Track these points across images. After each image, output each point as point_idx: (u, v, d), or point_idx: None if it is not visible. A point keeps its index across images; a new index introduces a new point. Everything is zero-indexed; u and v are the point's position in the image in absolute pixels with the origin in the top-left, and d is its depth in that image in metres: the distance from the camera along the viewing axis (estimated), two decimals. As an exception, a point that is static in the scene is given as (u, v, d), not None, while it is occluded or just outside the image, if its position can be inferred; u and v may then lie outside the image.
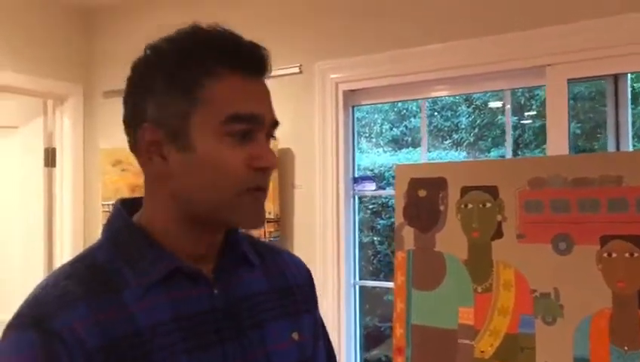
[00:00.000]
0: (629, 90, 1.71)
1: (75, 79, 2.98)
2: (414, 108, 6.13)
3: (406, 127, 6.15)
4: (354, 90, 2.11)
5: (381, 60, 2.00)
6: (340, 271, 2.07)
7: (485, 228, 1.67)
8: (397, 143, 6.06)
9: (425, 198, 1.79)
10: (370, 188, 2.05)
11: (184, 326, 0.79)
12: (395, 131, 6.07)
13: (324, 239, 2.10)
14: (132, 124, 0.82)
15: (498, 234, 1.65)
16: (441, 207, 1.75)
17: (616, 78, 1.71)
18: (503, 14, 1.80)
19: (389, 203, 4.63)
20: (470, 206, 1.70)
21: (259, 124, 0.81)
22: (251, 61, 0.81)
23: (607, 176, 1.51)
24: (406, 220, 1.81)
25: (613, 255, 1.48)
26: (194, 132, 0.78)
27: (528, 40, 1.72)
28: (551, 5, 1.73)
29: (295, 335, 0.92)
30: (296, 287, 0.95)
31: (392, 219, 5.01)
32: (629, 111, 1.71)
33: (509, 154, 2.08)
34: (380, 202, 5.03)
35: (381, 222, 4.68)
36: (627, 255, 1.46)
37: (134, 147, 0.83)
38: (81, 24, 3.03)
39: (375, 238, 5.14)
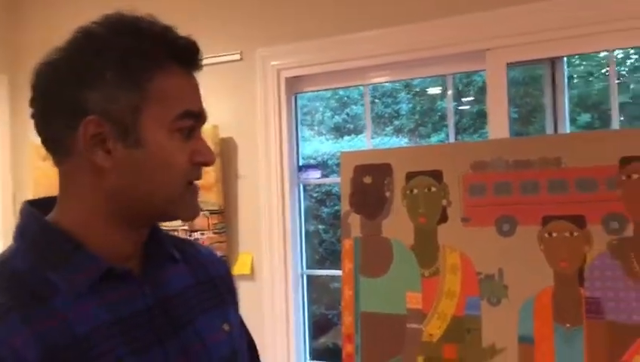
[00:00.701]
0: (566, 73, 1.75)
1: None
2: (356, 95, 6.16)
3: (347, 114, 6.17)
4: (296, 76, 2.09)
5: (323, 46, 1.98)
6: (287, 260, 2.05)
7: (431, 212, 1.68)
8: (339, 131, 6.07)
9: (370, 185, 1.78)
10: (315, 176, 2.04)
11: (122, 328, 0.77)
12: (337, 119, 6.08)
13: (270, 229, 2.07)
14: (61, 116, 0.77)
15: (443, 218, 1.66)
16: (387, 193, 1.75)
17: (554, 62, 1.75)
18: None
19: (333, 191, 4.64)
20: (416, 191, 1.71)
21: (201, 120, 0.81)
22: (194, 57, 0.80)
23: (546, 158, 1.54)
24: (352, 207, 1.81)
25: (554, 235, 1.52)
26: (144, 127, 0.77)
27: (468, 24, 1.74)
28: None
29: (225, 326, 0.93)
30: (218, 279, 0.96)
31: (337, 207, 5.03)
32: (566, 94, 1.76)
33: (452, 139, 2.11)
34: (323, 190, 5.04)
35: (325, 210, 4.68)
36: (567, 234, 1.50)
37: (59, 141, 0.78)
38: (4, 13, 2.89)
39: (320, 227, 5.14)
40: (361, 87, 2.21)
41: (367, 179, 1.79)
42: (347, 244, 1.81)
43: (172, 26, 0.79)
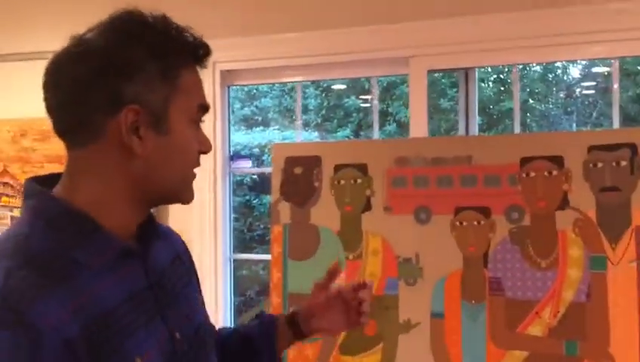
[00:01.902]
0: (477, 82, 1.98)
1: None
2: (265, 88, 6.25)
3: (256, 107, 6.27)
4: (230, 70, 2.18)
5: (258, 43, 2.08)
6: (218, 245, 2.14)
7: (356, 202, 1.85)
8: (247, 122, 6.15)
9: (300, 175, 1.91)
10: (246, 165, 2.14)
11: (134, 303, 0.83)
12: (246, 111, 6.16)
13: (201, 215, 2.15)
14: (98, 103, 0.81)
15: (367, 207, 1.83)
16: (316, 183, 1.89)
17: (467, 72, 1.97)
18: (374, 7, 1.97)
19: (244, 181, 4.73)
20: (343, 182, 1.86)
21: (206, 112, 0.91)
22: (207, 57, 0.89)
23: (459, 156, 1.75)
24: (282, 196, 1.93)
25: (464, 223, 1.73)
26: (172, 117, 0.83)
27: (395, 32, 1.91)
28: (415, 1, 1.93)
29: (198, 296, 1.02)
30: (182, 253, 1.03)
31: (247, 197, 5.12)
32: (477, 99, 1.99)
33: (376, 135, 2.29)
34: (233, 180, 5.11)
35: (237, 199, 4.76)
36: (475, 223, 1.71)
37: (89, 125, 0.82)
38: None
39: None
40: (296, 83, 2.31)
41: (298, 170, 1.92)
42: (276, 230, 1.93)
43: (189, 26, 0.88)
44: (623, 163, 1.57)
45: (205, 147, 0.90)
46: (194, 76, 0.87)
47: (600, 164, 1.59)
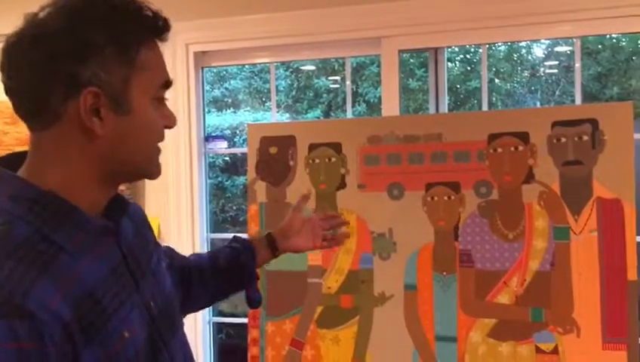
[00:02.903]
0: (446, 62, 2.04)
1: None
2: (234, 70, 6.23)
3: (226, 88, 6.24)
4: (204, 51, 2.19)
5: (232, 24, 2.09)
6: (195, 225, 2.17)
7: (331, 180, 1.89)
8: (217, 104, 6.13)
9: (276, 155, 1.95)
10: (221, 146, 2.17)
11: (114, 278, 0.85)
12: (216, 93, 6.13)
13: (177, 196, 2.17)
14: (55, 86, 0.80)
15: (342, 185, 1.88)
16: (291, 163, 1.93)
17: (437, 51, 2.02)
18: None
19: (216, 163, 4.73)
20: (317, 161, 1.91)
21: (169, 88, 0.91)
22: (167, 30, 0.87)
23: (430, 133, 1.81)
24: (258, 175, 1.97)
25: (435, 198, 1.79)
26: (132, 96, 0.83)
27: (367, 13, 1.95)
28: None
29: (163, 264, 1.05)
30: (141, 222, 1.04)
31: (219, 178, 5.12)
32: (445, 78, 2.05)
33: (349, 115, 2.33)
34: (208, 161, 5.11)
35: (209, 181, 4.77)
36: (446, 198, 1.78)
37: (48, 109, 0.81)
38: None
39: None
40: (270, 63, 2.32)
41: (273, 150, 1.95)
42: (253, 209, 1.97)
43: (147, 1, 0.86)
44: (585, 137, 1.65)
45: (170, 122, 0.91)
46: (154, 52, 0.86)
47: (563, 139, 1.67)
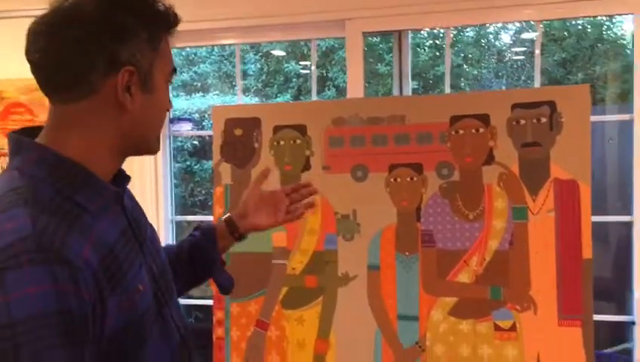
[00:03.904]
0: (410, 44, 2.05)
1: None
2: (203, 53, 6.17)
3: (195, 72, 6.18)
4: (168, 32, 2.16)
5: (195, 4, 2.08)
6: (159, 207, 2.16)
7: (296, 161, 1.90)
8: (186, 88, 6.07)
9: (241, 137, 1.95)
10: (186, 128, 2.15)
11: (125, 239, 0.94)
12: (185, 76, 6.06)
13: (142, 177, 2.15)
14: (95, 63, 0.88)
15: (307, 166, 1.89)
16: (256, 145, 1.93)
17: (400, 34, 2.04)
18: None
19: (184, 146, 4.69)
20: (282, 143, 1.91)
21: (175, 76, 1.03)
22: (177, 25, 0.98)
23: (393, 115, 1.82)
24: (223, 157, 1.96)
25: (398, 180, 1.82)
26: (155, 78, 0.95)
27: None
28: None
29: (156, 234, 1.13)
30: (133, 197, 1.11)
31: (188, 162, 5.09)
32: (409, 62, 2.06)
33: (314, 98, 2.33)
34: (174, 146, 5.07)
35: (177, 165, 4.74)
36: (408, 179, 1.80)
37: (83, 84, 0.89)
38: None
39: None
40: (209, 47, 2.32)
41: (238, 132, 1.95)
42: (218, 191, 1.97)
43: None
44: (543, 120, 1.69)
45: (170, 105, 1.04)
46: (167, 43, 0.98)
47: (522, 121, 1.70)
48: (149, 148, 1.01)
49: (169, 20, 0.96)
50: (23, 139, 0.92)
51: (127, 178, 1.03)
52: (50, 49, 0.89)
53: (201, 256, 1.30)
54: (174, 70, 1.01)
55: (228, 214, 1.38)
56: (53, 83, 0.92)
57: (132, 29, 0.91)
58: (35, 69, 0.91)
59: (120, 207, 0.97)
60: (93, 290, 0.82)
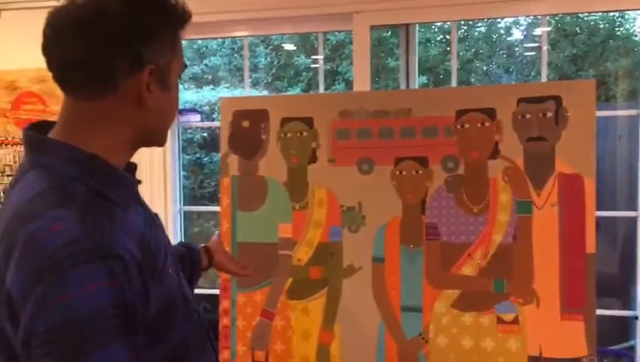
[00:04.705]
0: (417, 38, 2.06)
1: None
2: (214, 46, 6.19)
3: (206, 65, 6.20)
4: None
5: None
6: (168, 198, 2.19)
7: (302, 154, 1.92)
8: (197, 81, 6.09)
9: (248, 128, 1.97)
10: (195, 119, 2.17)
11: (148, 226, 0.97)
12: (196, 69, 6.08)
13: (151, 169, 2.18)
14: (120, 61, 0.89)
15: (313, 159, 1.90)
16: (263, 136, 1.95)
17: (408, 28, 2.04)
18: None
19: (194, 138, 4.72)
20: (289, 135, 1.93)
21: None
22: (190, 19, 0.98)
23: (400, 109, 1.83)
24: (231, 149, 1.98)
25: (404, 173, 1.83)
26: (171, 76, 0.97)
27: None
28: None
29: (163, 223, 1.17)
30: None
31: (197, 155, 5.12)
32: (416, 55, 2.07)
33: (322, 90, 2.35)
34: (184, 138, 5.11)
35: (187, 157, 4.77)
36: (414, 172, 1.82)
37: (107, 81, 0.90)
38: None
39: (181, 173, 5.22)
40: (220, 39, 2.34)
41: (245, 123, 1.97)
42: (225, 182, 1.99)
43: None
44: (549, 114, 1.69)
45: (179, 101, 1.07)
46: (181, 42, 1.00)
47: (528, 115, 1.71)
48: (159, 141, 1.04)
49: (184, 17, 0.97)
50: (46, 138, 0.93)
51: (135, 166, 1.05)
52: (76, 46, 0.89)
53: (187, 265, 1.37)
54: (185, 66, 1.02)
55: (205, 245, 1.53)
56: (75, 80, 0.92)
57: (156, 28, 0.92)
58: (56, 65, 0.91)
59: (139, 196, 1.00)
60: (139, 281, 0.86)
